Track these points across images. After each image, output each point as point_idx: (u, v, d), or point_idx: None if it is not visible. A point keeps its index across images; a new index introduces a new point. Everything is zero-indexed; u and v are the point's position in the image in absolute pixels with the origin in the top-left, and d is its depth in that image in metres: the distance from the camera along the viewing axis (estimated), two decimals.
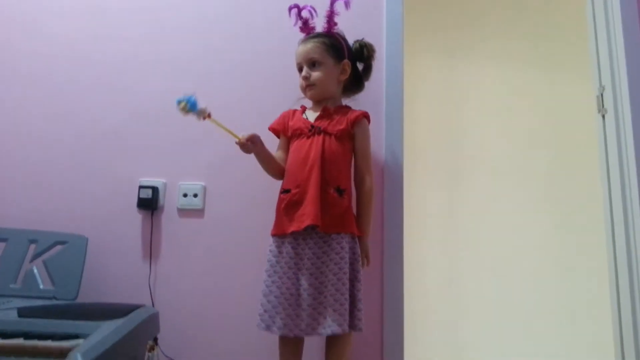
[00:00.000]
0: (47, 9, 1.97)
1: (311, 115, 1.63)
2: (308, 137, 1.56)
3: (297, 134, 1.60)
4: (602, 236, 1.92)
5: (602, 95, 1.95)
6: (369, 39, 1.72)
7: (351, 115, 1.60)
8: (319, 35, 1.66)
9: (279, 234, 1.51)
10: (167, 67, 1.91)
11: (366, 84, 1.73)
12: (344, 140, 1.57)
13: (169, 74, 1.90)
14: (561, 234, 2.84)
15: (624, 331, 1.77)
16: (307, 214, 1.45)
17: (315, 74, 1.61)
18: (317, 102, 1.66)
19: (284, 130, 1.65)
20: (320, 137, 1.55)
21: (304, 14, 1.69)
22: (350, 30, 1.72)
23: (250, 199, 1.78)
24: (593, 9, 2.06)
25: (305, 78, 1.61)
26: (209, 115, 1.44)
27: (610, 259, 1.85)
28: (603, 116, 1.94)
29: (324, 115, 1.60)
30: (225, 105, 1.82)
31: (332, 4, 1.68)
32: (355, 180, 1.60)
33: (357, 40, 1.71)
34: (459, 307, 2.79)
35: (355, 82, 1.71)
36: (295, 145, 1.59)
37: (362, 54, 1.70)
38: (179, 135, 1.84)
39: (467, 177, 2.94)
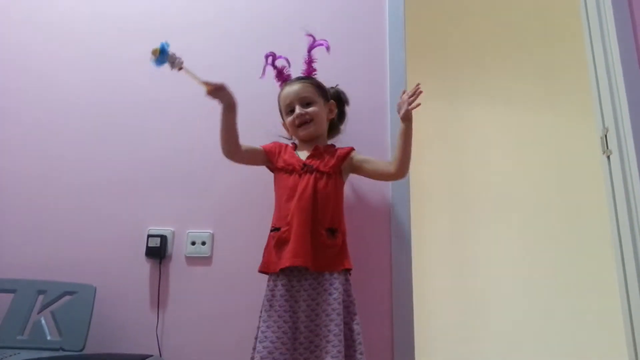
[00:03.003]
0: (53, 57, 2.01)
1: (302, 155, 1.62)
2: (299, 175, 1.55)
3: (289, 169, 1.57)
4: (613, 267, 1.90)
5: (605, 136, 1.96)
6: (373, 86, 1.74)
7: (341, 152, 1.61)
8: (303, 77, 1.68)
9: (267, 271, 1.51)
10: (174, 113, 1.93)
11: (370, 128, 1.76)
12: (335, 177, 1.56)
13: (176, 119, 1.92)
14: (571, 270, 2.83)
15: (636, 336, 1.74)
16: (296, 254, 1.44)
17: (312, 109, 1.61)
18: (308, 141, 1.65)
19: (276, 157, 1.63)
20: (312, 176, 1.53)
21: (280, 62, 1.73)
22: (355, 77, 1.77)
23: (258, 246, 1.75)
24: (592, 51, 2.09)
25: (302, 115, 1.60)
26: (181, 66, 1.42)
27: (622, 284, 1.83)
28: (608, 157, 1.94)
29: (316, 154, 1.60)
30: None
31: (309, 51, 1.72)
32: (386, 172, 1.58)
33: (332, 87, 1.74)
34: (470, 333, 2.77)
35: (333, 125, 1.74)
36: (285, 181, 1.56)
37: (341, 99, 1.73)
38: (186, 182, 1.86)
39: (472, 218, 2.93)
